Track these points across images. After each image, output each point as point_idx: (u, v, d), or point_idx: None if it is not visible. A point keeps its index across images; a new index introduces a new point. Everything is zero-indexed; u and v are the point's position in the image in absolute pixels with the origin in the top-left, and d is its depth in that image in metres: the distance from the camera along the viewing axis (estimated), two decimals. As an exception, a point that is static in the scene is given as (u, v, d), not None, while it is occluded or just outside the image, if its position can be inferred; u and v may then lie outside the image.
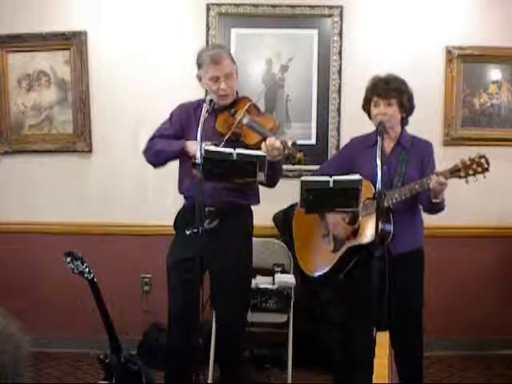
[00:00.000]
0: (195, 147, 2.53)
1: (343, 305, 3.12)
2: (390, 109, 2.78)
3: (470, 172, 2.56)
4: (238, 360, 3.00)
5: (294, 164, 2.67)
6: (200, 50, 2.85)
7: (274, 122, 2.83)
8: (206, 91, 2.94)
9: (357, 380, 2.78)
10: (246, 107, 2.73)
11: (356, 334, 2.84)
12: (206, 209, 2.69)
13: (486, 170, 2.55)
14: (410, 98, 2.83)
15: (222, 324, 3.00)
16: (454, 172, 2.59)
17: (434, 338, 3.60)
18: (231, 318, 2.91)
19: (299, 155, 2.59)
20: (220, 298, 2.90)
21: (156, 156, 2.87)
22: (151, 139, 2.90)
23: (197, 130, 2.50)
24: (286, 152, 2.57)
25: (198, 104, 2.85)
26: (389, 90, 2.78)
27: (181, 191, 2.93)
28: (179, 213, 2.95)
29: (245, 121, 2.71)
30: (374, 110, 2.82)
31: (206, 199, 2.56)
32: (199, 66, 2.80)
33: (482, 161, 2.55)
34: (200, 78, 2.83)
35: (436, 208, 2.73)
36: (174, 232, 2.95)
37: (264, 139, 2.62)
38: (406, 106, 2.81)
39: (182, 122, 2.87)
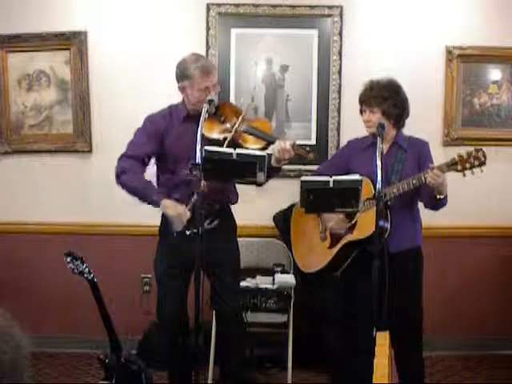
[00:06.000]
0: (172, 212, 2.66)
1: (343, 305, 3.11)
2: (374, 116, 2.79)
3: (467, 165, 2.57)
4: (238, 359, 3.01)
5: (304, 164, 2.72)
6: (184, 62, 2.78)
7: (270, 124, 2.87)
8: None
9: (356, 380, 2.78)
10: (242, 115, 2.73)
11: (356, 334, 2.84)
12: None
13: (483, 163, 2.56)
14: (397, 104, 2.81)
15: (227, 323, 3.00)
16: (451, 165, 2.60)
17: (434, 337, 3.60)
18: (236, 317, 2.92)
19: (310, 155, 2.66)
20: (223, 297, 2.92)
21: (129, 191, 2.80)
22: (124, 157, 2.82)
23: (176, 134, 2.76)
24: (296, 153, 2.62)
25: (170, 111, 2.88)
26: (370, 98, 2.80)
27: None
28: (164, 218, 2.91)
29: (243, 127, 2.72)
30: (362, 117, 2.85)
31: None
32: (186, 77, 2.75)
33: (479, 154, 2.57)
34: (183, 89, 2.80)
35: (439, 204, 2.74)
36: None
37: (268, 143, 2.66)
38: (391, 112, 2.80)
39: (158, 133, 2.84)
